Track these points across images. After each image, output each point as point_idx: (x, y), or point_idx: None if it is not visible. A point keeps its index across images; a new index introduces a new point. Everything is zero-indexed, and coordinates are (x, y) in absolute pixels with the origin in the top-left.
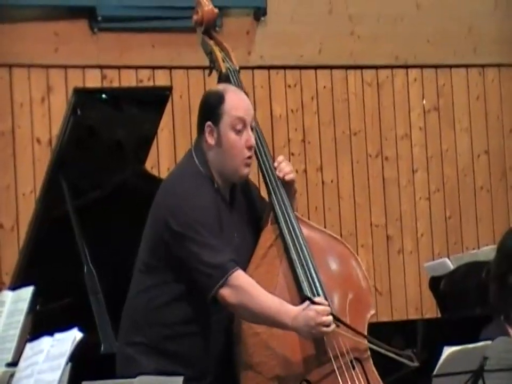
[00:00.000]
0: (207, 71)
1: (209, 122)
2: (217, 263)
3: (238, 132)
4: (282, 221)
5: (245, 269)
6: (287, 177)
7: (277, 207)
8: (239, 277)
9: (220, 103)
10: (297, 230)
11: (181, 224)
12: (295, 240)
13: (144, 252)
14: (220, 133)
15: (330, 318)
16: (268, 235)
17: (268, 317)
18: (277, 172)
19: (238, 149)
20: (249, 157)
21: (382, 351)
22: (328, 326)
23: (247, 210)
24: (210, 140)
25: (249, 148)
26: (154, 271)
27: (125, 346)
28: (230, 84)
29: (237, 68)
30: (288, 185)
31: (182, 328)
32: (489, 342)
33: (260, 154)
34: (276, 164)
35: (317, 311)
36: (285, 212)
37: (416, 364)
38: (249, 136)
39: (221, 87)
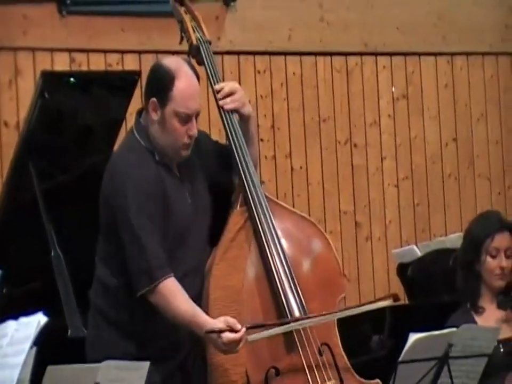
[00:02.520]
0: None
1: (154, 99)
2: (148, 268)
3: (182, 120)
4: (252, 204)
5: (204, 233)
6: (233, 106)
7: (247, 189)
8: (165, 286)
9: (169, 87)
10: (266, 213)
11: (121, 210)
12: (265, 224)
13: (100, 238)
14: (164, 116)
15: (238, 343)
16: (236, 218)
17: (184, 322)
18: (220, 102)
19: (180, 135)
20: (189, 144)
21: (357, 311)
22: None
23: (200, 167)
24: (154, 116)
25: (190, 137)
26: (109, 254)
27: (93, 331)
28: (201, 55)
29: (208, 39)
30: (238, 113)
31: (149, 307)
32: (454, 329)
33: (227, 124)
34: (216, 87)
35: (223, 341)
36: (254, 194)
37: (392, 301)
38: (192, 126)
39: (173, 64)
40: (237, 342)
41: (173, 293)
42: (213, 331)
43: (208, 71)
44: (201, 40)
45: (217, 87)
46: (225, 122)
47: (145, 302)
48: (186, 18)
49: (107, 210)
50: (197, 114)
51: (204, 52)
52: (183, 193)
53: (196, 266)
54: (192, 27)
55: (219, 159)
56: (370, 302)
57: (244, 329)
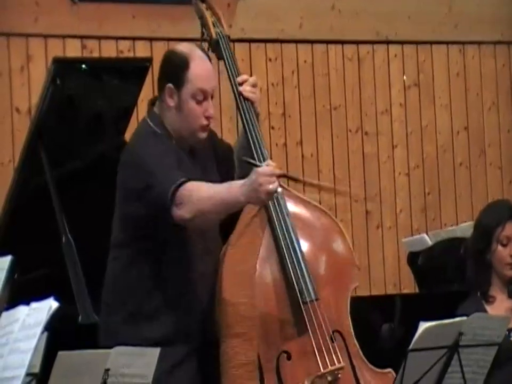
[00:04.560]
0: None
1: (170, 85)
2: (169, 178)
3: (199, 102)
4: None
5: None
6: (251, 97)
7: None
8: (187, 186)
9: (184, 68)
10: (281, 200)
11: (142, 180)
12: (279, 211)
13: (116, 227)
14: (181, 99)
15: (273, 178)
16: (251, 205)
17: (222, 202)
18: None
19: (197, 117)
20: (207, 125)
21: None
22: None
23: (211, 160)
24: (170, 102)
25: (208, 118)
26: (126, 242)
27: (107, 320)
28: (220, 49)
29: (228, 34)
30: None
31: (161, 293)
32: (465, 318)
33: (243, 111)
34: (239, 79)
35: (259, 172)
36: None
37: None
38: (209, 107)
39: (186, 49)
40: (269, 178)
41: (197, 186)
42: (249, 161)
43: (227, 64)
44: (220, 34)
45: (239, 79)
46: (243, 110)
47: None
48: (207, 14)
49: (127, 193)
50: (212, 96)
51: (223, 46)
52: (197, 176)
53: (206, 248)
54: (213, 22)
55: (227, 155)
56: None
57: (279, 171)
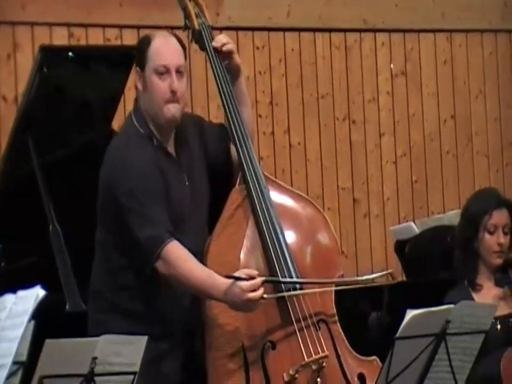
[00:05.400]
0: (175, 31)
1: (137, 68)
2: (154, 235)
3: (161, 76)
4: (250, 182)
5: (202, 215)
6: (225, 48)
7: (245, 168)
8: (173, 249)
9: (146, 48)
10: (264, 191)
11: (122, 194)
12: (262, 202)
13: (99, 221)
14: (145, 78)
15: (257, 293)
16: (235, 196)
17: (200, 291)
18: (213, 43)
19: (161, 92)
20: (172, 99)
21: (354, 285)
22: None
23: (200, 146)
24: (139, 85)
25: (172, 92)
26: (109, 238)
27: (94, 311)
28: (203, 40)
29: (210, 24)
30: (227, 59)
31: (146, 287)
32: (452, 306)
33: (227, 104)
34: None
35: (242, 288)
36: (252, 172)
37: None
38: (172, 81)
39: (153, 33)
40: (255, 290)
41: (184, 255)
42: (233, 276)
43: (210, 55)
44: (203, 25)
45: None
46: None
47: (145, 283)
48: (190, 5)
49: (106, 195)
50: (178, 71)
51: (206, 37)
52: (181, 176)
53: (195, 250)
54: (196, 13)
55: (218, 137)
56: (368, 282)
57: (262, 278)
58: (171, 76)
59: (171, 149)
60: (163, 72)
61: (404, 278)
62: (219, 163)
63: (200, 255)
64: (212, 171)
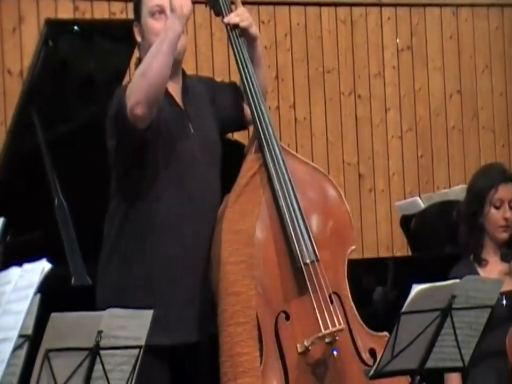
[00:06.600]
0: None
1: (135, 23)
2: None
3: (157, 16)
4: (267, 151)
5: (213, 166)
6: (242, 24)
7: (262, 136)
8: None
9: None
10: (280, 160)
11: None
12: (279, 170)
13: (113, 170)
14: (142, 26)
15: None
16: (251, 164)
17: (166, 46)
18: (229, 19)
19: (157, 32)
20: None
21: None
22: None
23: (209, 108)
24: (138, 38)
25: None
26: (119, 191)
27: (104, 264)
28: (217, 4)
29: None
30: (245, 34)
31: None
32: (457, 281)
33: (248, 84)
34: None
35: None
36: (269, 141)
37: None
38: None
39: None
40: None
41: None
42: None
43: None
44: None
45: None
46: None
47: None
48: None
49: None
50: None
51: (222, 1)
52: (185, 123)
53: (205, 198)
54: None
55: (231, 96)
56: None
57: None
58: (167, 17)
59: (177, 98)
60: (158, 11)
61: (409, 253)
62: (232, 120)
63: (210, 205)
64: (223, 128)
